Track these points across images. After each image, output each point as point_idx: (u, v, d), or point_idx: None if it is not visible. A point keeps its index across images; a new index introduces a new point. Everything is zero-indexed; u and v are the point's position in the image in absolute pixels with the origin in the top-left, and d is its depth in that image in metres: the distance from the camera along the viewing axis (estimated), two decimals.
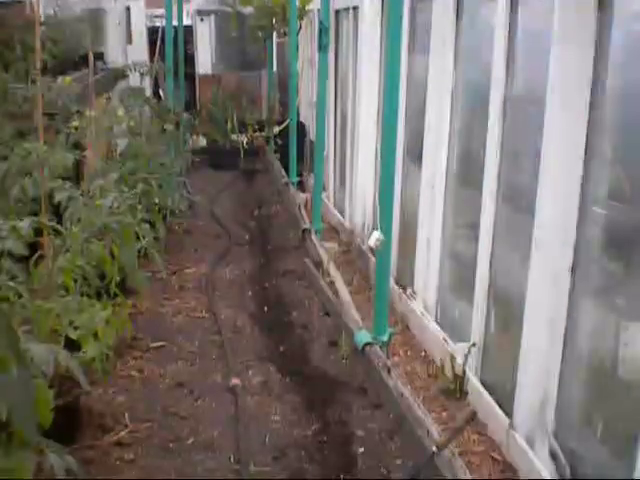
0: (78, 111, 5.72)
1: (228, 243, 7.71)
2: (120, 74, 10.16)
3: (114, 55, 11.40)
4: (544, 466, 3.46)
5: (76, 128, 5.46)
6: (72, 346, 3.50)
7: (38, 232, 3.81)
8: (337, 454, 3.86)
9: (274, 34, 11.75)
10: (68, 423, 3.68)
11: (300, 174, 9.49)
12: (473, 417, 3.60)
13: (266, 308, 5.96)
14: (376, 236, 5.92)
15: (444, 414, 4.28)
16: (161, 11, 11.51)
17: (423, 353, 5.07)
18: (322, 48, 6.84)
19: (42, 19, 7.34)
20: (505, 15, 3.97)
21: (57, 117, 6.25)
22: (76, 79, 6.84)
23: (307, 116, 10.54)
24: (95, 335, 3.65)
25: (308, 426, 4.13)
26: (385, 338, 4.55)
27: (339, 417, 4.19)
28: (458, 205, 4.91)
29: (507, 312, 4.11)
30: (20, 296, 3.29)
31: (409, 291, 5.56)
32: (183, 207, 7.70)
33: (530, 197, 3.60)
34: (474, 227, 4.40)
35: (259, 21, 11.28)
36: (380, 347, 4.49)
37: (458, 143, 4.86)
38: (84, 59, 8.72)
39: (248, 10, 11.79)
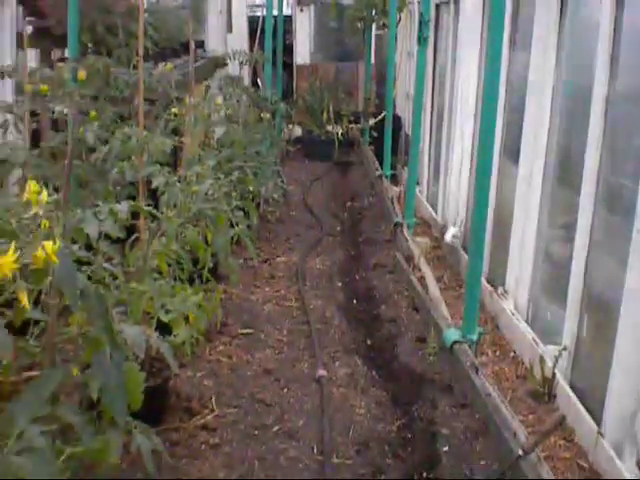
0: (177, 98, 5.80)
1: (320, 233, 7.73)
2: (220, 62, 10.27)
3: (214, 43, 11.53)
4: (632, 477, 3.36)
5: (175, 114, 5.54)
6: (163, 329, 3.55)
7: (135, 215, 3.88)
8: (421, 451, 3.83)
9: (373, 25, 11.72)
10: (156, 405, 3.74)
11: (394, 167, 9.45)
12: (562, 422, 3.52)
13: (355, 300, 5.95)
14: (452, 232, 5.87)
15: (531, 417, 4.19)
16: (261, 0, 11.60)
17: (512, 354, 4.98)
18: (422, 41, 6.77)
19: (145, 6, 7.46)
20: (610, 12, 3.86)
21: (157, 103, 6.36)
22: (176, 66, 6.94)
23: (403, 109, 10.48)
24: (186, 319, 3.70)
25: (392, 421, 4.11)
26: (474, 337, 4.49)
27: (424, 414, 4.16)
28: (554, 205, 4.81)
29: (601, 317, 4.00)
30: (115, 278, 3.35)
31: (500, 290, 5.47)
32: (277, 196, 7.75)
33: (631, 199, 3.50)
34: (570, 228, 4.30)
35: (358, 12, 11.26)
36: (469, 346, 4.43)
37: (557, 142, 4.75)
38: (185, 46, 8.86)
39: (347, 1, 11.78)
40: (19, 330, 2.88)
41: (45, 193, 1.45)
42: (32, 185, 1.44)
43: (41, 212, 1.44)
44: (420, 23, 6.79)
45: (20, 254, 1.35)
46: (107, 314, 1.61)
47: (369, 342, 5.17)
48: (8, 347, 2.15)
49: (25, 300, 1.36)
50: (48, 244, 1.37)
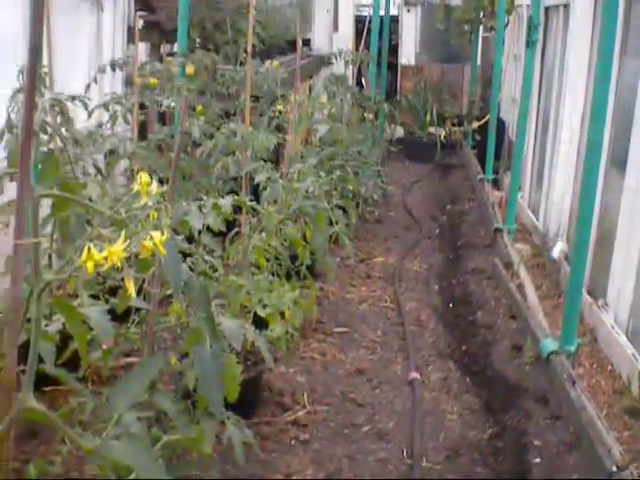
0: (282, 95, 5.85)
1: (418, 235, 7.69)
2: (325, 61, 10.32)
3: (320, 42, 11.61)
4: None
5: (280, 112, 5.60)
6: (259, 323, 3.59)
7: (236, 210, 3.93)
8: (511, 461, 3.76)
9: (480, 28, 11.59)
10: (248, 397, 3.78)
11: (496, 171, 9.32)
12: None
13: (451, 304, 5.89)
14: (560, 247, 5.70)
15: (626, 434, 4.07)
16: (367, 0, 11.61)
17: (609, 367, 4.84)
18: (530, 45, 6.65)
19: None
20: None
21: (261, 100, 6.44)
22: (282, 64, 7.01)
23: (507, 113, 10.32)
24: (282, 315, 3.73)
25: (484, 429, 4.05)
26: (572, 348, 4.38)
27: (517, 424, 4.08)
28: None
29: None
30: (215, 270, 3.40)
31: (600, 302, 5.33)
32: (376, 196, 7.74)
33: None
34: None
35: (466, 14, 11.16)
36: (566, 357, 4.33)
37: None
38: (291, 44, 8.94)
39: (455, 2, 11.68)
40: (120, 317, 2.96)
41: (155, 185, 1.47)
42: (143, 177, 1.47)
43: (150, 203, 1.47)
44: (529, 26, 6.68)
45: (129, 243, 1.37)
46: (209, 306, 1.64)
47: (464, 347, 5.11)
48: (110, 333, 2.20)
49: (132, 288, 1.39)
50: (156, 235, 1.40)
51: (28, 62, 1.49)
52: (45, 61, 3.72)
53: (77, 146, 2.35)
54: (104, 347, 2.70)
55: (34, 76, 1.47)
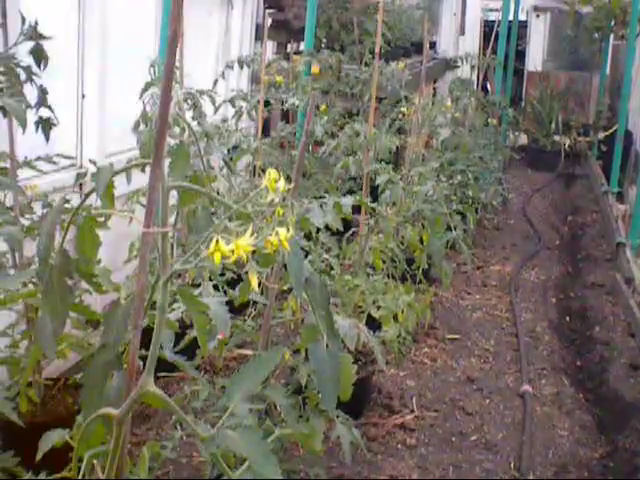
0: (406, 97, 5.83)
1: (537, 245, 7.53)
2: (450, 64, 10.23)
3: (445, 45, 11.51)
4: None
5: (403, 114, 5.58)
6: (372, 324, 3.59)
7: (354, 210, 3.95)
8: None
9: (611, 36, 11.27)
10: (357, 398, 3.79)
11: (621, 184, 9.04)
12: None
13: (568, 318, 5.75)
14: None
15: None
16: (495, 4, 11.44)
17: None
18: None
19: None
20: None
21: (384, 101, 6.43)
22: (407, 65, 6.98)
23: (636, 125, 10.00)
24: (395, 317, 3.72)
25: (596, 448, 3.94)
26: None
27: (630, 445, 3.95)
28: None
29: None
30: (331, 269, 3.43)
31: None
32: (496, 203, 7.63)
33: None
34: None
35: (597, 22, 10.86)
36: None
37: None
38: (416, 46, 8.89)
39: (586, 10, 11.39)
40: (236, 309, 3.01)
41: (283, 182, 1.49)
42: (271, 173, 1.48)
43: (277, 200, 1.48)
44: None
45: (254, 238, 1.39)
46: (328, 304, 1.65)
47: (578, 363, 4.98)
48: (227, 324, 2.24)
49: (255, 282, 1.41)
50: (282, 231, 1.41)
51: (166, 55, 1.53)
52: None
53: (207, 140, 2.41)
54: (219, 338, 2.75)
55: (171, 69, 1.51)
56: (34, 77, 2.54)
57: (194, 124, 2.34)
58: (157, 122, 1.52)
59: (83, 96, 4.36)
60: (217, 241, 1.36)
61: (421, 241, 4.23)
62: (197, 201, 1.75)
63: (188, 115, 2.28)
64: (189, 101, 2.24)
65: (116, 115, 4.64)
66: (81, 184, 4.04)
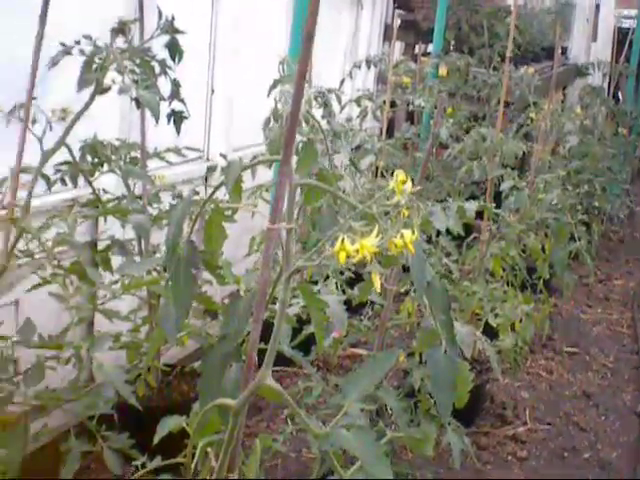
0: (534, 102, 5.71)
1: None
2: (581, 71, 9.98)
3: (577, 51, 11.24)
4: None
5: (531, 119, 5.47)
6: (488, 333, 3.53)
7: (476, 215, 3.89)
8: None
9: None
10: (471, 406, 3.73)
11: None
12: None
13: None
14: None
15: None
16: (630, 12, 11.09)
17: None
18: None
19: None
20: None
21: (512, 106, 6.32)
22: (536, 71, 6.85)
23: None
24: (513, 327, 3.65)
25: None
26: None
27: None
28: None
29: None
30: (450, 273, 3.39)
31: None
32: (623, 215, 7.40)
33: None
34: None
35: None
36: None
37: None
38: (546, 51, 8.71)
39: None
40: (354, 308, 3.02)
41: (410, 183, 1.48)
42: (399, 174, 1.47)
43: (403, 201, 1.47)
44: None
45: (379, 238, 1.39)
46: (449, 309, 1.63)
47: None
48: (344, 323, 2.25)
49: (378, 283, 1.41)
50: (407, 233, 1.40)
51: (301, 54, 1.54)
52: None
53: (335, 139, 2.42)
54: (335, 336, 2.76)
55: (306, 65, 1.52)
56: (168, 70, 2.60)
57: (323, 123, 2.36)
58: (288, 119, 1.53)
59: (212, 91, 4.44)
60: (343, 240, 1.36)
61: (543, 250, 4.13)
62: (321, 199, 1.75)
63: (318, 113, 2.30)
64: (319, 99, 2.25)
65: (243, 111, 4.71)
66: (206, 177, 4.14)
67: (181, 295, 1.57)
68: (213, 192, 1.65)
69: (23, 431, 2.26)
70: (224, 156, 1.90)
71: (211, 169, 1.66)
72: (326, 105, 2.27)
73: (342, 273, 3.39)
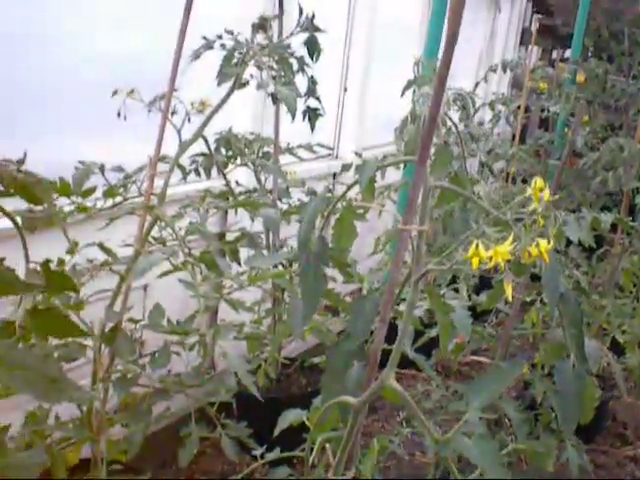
0: None
1: None
2: None
3: None
4: None
5: None
6: (615, 349, 3.43)
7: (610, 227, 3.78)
8: None
9: None
10: (592, 423, 3.63)
11: None
12: None
13: None
14: None
15: None
16: None
17: None
18: None
19: None
20: None
21: None
22: None
23: None
24: None
25: None
26: None
27: None
28: None
29: None
30: (579, 285, 3.30)
31: None
32: None
33: None
34: None
35: None
36: None
37: None
38: None
39: None
40: (478, 315, 2.98)
41: (547, 192, 1.44)
42: (537, 182, 1.44)
43: (540, 209, 1.44)
44: None
45: (514, 246, 1.36)
46: (581, 323, 1.58)
47: None
48: (469, 329, 2.22)
49: (510, 291, 1.38)
50: (542, 242, 1.37)
51: (443, 55, 1.53)
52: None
53: (472, 142, 2.40)
54: (457, 341, 2.73)
55: (447, 67, 1.51)
56: (306, 68, 2.62)
57: (460, 126, 2.35)
58: (426, 121, 1.52)
59: (345, 89, 4.47)
60: (477, 245, 1.34)
61: None
62: (456, 203, 1.74)
63: (455, 116, 2.28)
64: (458, 102, 2.24)
65: (374, 110, 4.72)
66: (335, 174, 4.17)
67: (310, 290, 1.58)
68: (347, 190, 1.65)
69: (146, 412, 2.33)
70: (359, 154, 1.90)
71: (345, 167, 1.67)
72: (464, 108, 2.25)
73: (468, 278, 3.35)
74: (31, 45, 2.70)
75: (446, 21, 1.57)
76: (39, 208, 0.91)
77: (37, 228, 0.91)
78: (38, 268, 0.95)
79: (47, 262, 0.92)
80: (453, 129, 1.96)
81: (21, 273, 0.86)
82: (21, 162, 0.90)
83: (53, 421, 2.38)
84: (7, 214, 0.87)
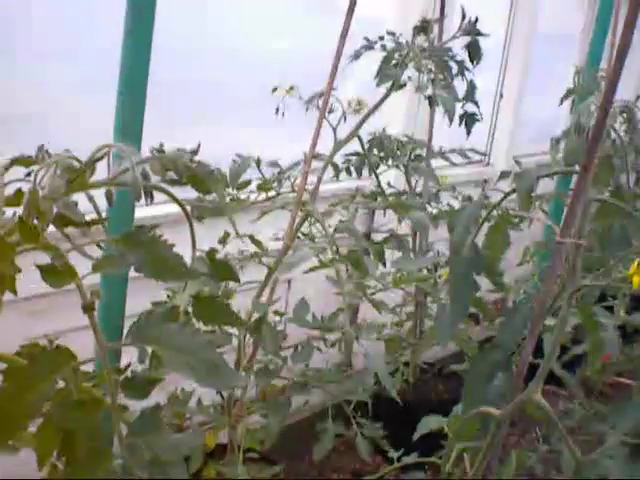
0: None
1: None
2: None
3: None
4: None
5: None
6: None
7: None
8: None
9: None
10: None
11: None
12: None
13: None
14: None
15: None
16: None
17: None
18: None
19: None
20: None
21: None
22: None
23: None
24: None
25: None
26: None
27: None
28: None
29: None
30: None
31: None
32: None
33: None
34: None
35: None
36: None
37: None
38: None
39: None
40: (627, 335, 2.88)
41: None
42: None
43: None
44: None
45: None
46: None
47: None
48: (617, 348, 2.16)
49: None
50: None
51: (613, 64, 1.48)
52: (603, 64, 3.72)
53: (637, 156, 2.31)
54: (603, 360, 2.64)
55: (617, 78, 1.46)
56: (465, 72, 2.60)
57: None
58: (591, 133, 1.48)
59: (501, 95, 4.40)
60: (639, 264, 1.30)
61: None
62: (616, 218, 1.68)
63: (619, 128, 2.21)
64: (624, 115, 2.16)
65: (529, 118, 4.64)
66: (485, 180, 4.12)
67: (459, 297, 1.57)
68: (503, 198, 1.62)
69: (285, 404, 2.37)
70: (518, 162, 1.87)
71: (504, 174, 1.65)
72: (629, 120, 2.17)
73: (625, 295, 3.24)
74: (195, 43, 2.80)
75: (610, 30, 1.52)
76: (209, 198, 0.94)
77: (205, 217, 0.94)
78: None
79: (213, 251, 0.95)
80: (617, 141, 1.90)
81: (187, 260, 0.89)
82: (195, 152, 0.93)
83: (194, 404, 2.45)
84: (179, 202, 0.90)
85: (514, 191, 1.58)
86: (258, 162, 2.42)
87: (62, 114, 2.51)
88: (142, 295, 1.59)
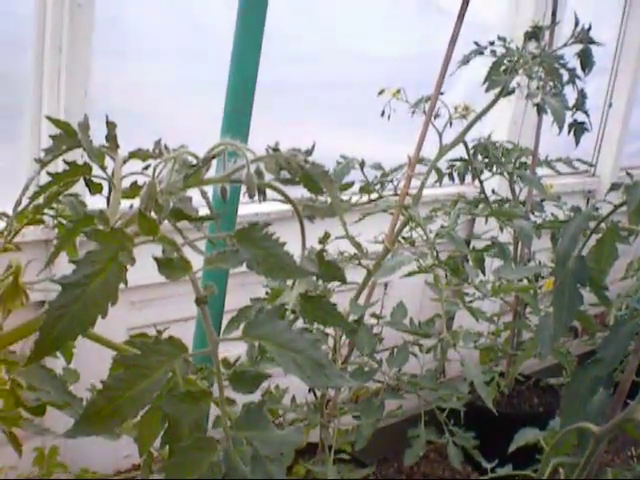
0: None
1: None
2: None
3: None
4: None
5: None
6: None
7: None
8: None
9: None
10: None
11: None
12: None
13: None
14: None
15: None
16: None
17: None
18: None
19: None
20: None
21: None
22: None
23: None
24: None
25: None
26: None
27: None
28: None
29: None
30: None
31: None
32: None
33: None
34: None
35: None
36: None
37: None
38: None
39: None
40: None
41: None
42: None
43: None
44: None
45: None
46: None
47: None
48: None
49: None
50: None
51: None
52: None
53: None
54: None
55: None
56: (576, 80, 2.55)
57: None
58: None
59: (610, 105, 4.31)
60: None
61: None
62: None
63: None
64: None
65: (637, 129, 4.53)
66: (589, 191, 4.03)
67: (564, 309, 1.54)
68: (613, 210, 1.59)
69: (378, 407, 2.36)
70: (630, 174, 1.81)
71: (615, 186, 1.60)
72: None
73: None
74: (297, 43, 2.82)
75: None
76: (321, 198, 0.95)
77: (316, 217, 0.95)
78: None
79: (322, 251, 0.96)
80: None
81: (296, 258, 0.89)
82: (309, 152, 0.94)
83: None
84: (292, 202, 0.91)
85: (624, 204, 1.54)
86: (362, 164, 2.42)
87: (160, 114, 2.56)
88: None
